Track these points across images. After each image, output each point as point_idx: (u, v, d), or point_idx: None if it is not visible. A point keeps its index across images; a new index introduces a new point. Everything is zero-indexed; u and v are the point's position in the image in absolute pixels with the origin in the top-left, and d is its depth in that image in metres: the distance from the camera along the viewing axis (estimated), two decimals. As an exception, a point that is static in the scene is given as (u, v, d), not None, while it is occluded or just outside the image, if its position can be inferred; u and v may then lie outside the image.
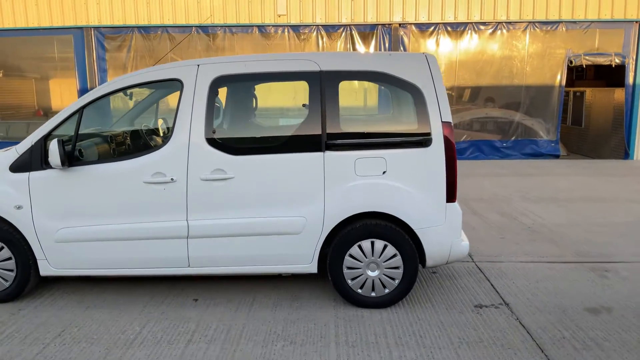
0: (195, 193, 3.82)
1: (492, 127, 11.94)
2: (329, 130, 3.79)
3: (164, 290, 4.33)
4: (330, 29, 11.44)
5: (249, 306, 4.03)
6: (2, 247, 3.98)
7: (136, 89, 3.95)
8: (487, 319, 3.79)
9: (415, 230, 3.82)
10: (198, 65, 3.88)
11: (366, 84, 4.04)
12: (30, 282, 4.06)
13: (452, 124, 3.82)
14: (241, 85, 4.01)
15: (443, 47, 11.50)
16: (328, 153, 3.78)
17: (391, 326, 3.68)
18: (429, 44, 11.47)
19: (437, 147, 3.77)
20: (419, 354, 3.30)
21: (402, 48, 11.41)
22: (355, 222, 3.87)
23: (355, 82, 4.10)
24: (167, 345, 3.44)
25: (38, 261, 4.00)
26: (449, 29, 11.37)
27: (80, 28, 11.49)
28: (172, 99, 4.48)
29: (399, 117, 4.14)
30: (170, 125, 3.88)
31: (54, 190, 3.89)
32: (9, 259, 4.00)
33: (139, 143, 4.27)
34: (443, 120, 3.77)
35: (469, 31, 11.37)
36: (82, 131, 4.00)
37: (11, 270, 4.02)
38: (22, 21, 11.44)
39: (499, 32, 11.35)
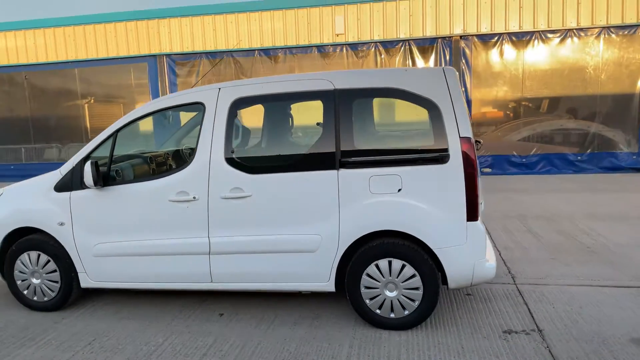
0: (215, 211, 3.95)
1: (565, 139, 11.23)
2: (343, 148, 3.77)
3: (194, 304, 4.49)
4: (389, 45, 11.39)
5: (269, 323, 4.07)
6: (49, 261, 4.34)
7: (168, 111, 4.18)
8: (514, 345, 3.54)
9: (434, 250, 3.67)
10: (219, 89, 4.04)
11: (383, 100, 3.97)
12: (73, 293, 4.39)
13: (472, 140, 3.65)
14: (255, 105, 4.11)
15: (508, 58, 11.04)
16: (342, 171, 3.76)
17: (407, 349, 3.55)
18: (492, 55, 11.06)
19: (455, 164, 3.62)
20: (428, 380, 3.16)
21: (464, 60, 11.10)
22: (372, 240, 3.80)
23: (372, 99, 4.04)
24: (182, 358, 3.56)
25: (79, 274, 4.31)
26: (513, 38, 10.90)
27: (154, 56, 12.36)
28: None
29: (415, 133, 4.03)
30: (194, 146, 4.06)
31: (91, 208, 4.19)
32: (55, 271, 4.35)
33: (166, 164, 4.49)
34: (461, 136, 3.62)
35: (536, 40, 10.82)
36: (121, 153, 4.30)
37: (56, 282, 4.37)
38: (103, 51, 12.52)
39: (568, 39, 10.70)
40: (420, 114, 3.76)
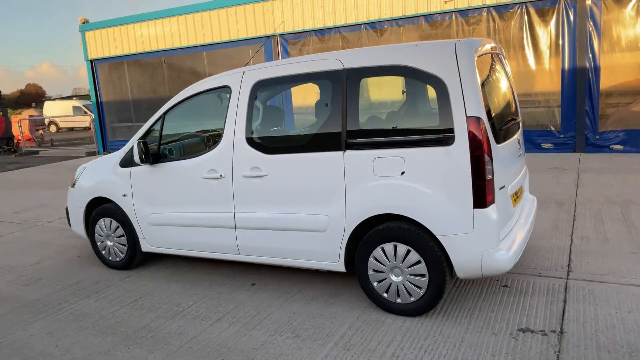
0: (238, 188, 4.20)
1: None
2: (349, 129, 3.72)
3: (234, 273, 4.85)
4: (502, 9, 10.46)
5: (290, 296, 4.25)
6: (118, 227, 5.04)
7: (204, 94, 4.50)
8: (520, 345, 3.23)
9: (437, 237, 3.48)
10: (243, 72, 4.24)
11: (390, 78, 3.78)
12: (137, 256, 5.04)
13: (483, 120, 3.33)
14: (275, 87, 4.20)
15: (649, 15, 9.39)
16: (348, 152, 3.72)
17: (403, 336, 3.46)
18: (627, 15, 9.51)
19: (461, 146, 3.34)
20: (403, 370, 3.07)
21: (591, 22, 9.73)
22: (380, 223, 3.73)
23: (380, 78, 3.88)
24: (199, 321, 3.93)
25: (139, 240, 4.94)
26: (656, -9, 9.23)
27: (269, 37, 12.99)
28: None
29: (420, 113, 3.76)
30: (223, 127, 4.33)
31: (146, 182, 4.74)
32: (122, 236, 5.04)
33: (201, 143, 4.84)
34: (468, 115, 3.32)
35: (686, -9, 9.02)
36: (167, 133, 4.77)
37: (124, 245, 5.06)
38: (226, 35, 13.51)
39: None
40: (428, 93, 3.53)
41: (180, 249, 4.72)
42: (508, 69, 4.52)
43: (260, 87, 4.14)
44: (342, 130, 3.73)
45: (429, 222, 3.48)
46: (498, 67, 4.21)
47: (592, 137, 10.06)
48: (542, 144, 10.49)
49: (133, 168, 4.81)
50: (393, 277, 3.71)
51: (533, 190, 7.24)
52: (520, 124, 4.58)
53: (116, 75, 16.03)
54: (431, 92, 3.48)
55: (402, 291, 3.69)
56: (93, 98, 16.67)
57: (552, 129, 10.43)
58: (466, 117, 3.33)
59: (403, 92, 4.16)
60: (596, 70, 9.82)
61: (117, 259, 5.15)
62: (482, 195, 3.34)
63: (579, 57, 9.89)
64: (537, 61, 10.38)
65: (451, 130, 3.37)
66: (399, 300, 3.73)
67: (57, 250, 6.04)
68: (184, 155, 4.57)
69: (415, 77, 3.54)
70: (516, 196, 4.01)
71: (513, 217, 3.90)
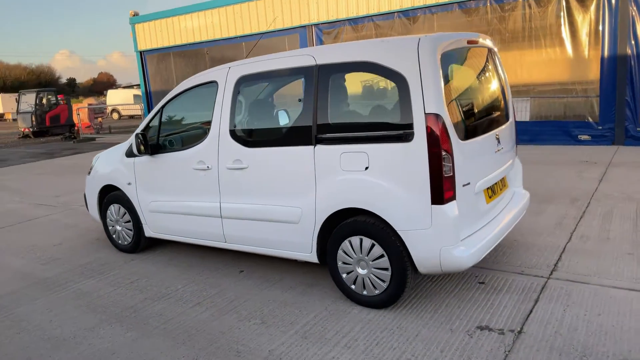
0: (223, 179, 4.39)
1: None
2: (319, 124, 3.80)
3: (228, 260, 5.07)
4: (539, -5, 10.00)
5: (271, 284, 4.42)
6: (125, 213, 5.39)
7: (195, 89, 4.72)
8: (472, 343, 3.24)
9: (398, 232, 3.52)
10: (229, 68, 4.40)
11: (364, 74, 3.81)
12: (141, 240, 5.38)
13: (443, 116, 3.31)
14: (256, 83, 4.33)
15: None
16: (318, 147, 3.81)
17: (361, 327, 3.55)
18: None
19: (420, 142, 3.35)
20: (349, 356, 3.16)
21: (634, 6, 9.13)
22: (350, 217, 3.80)
23: (348, 74, 3.91)
24: (181, 304, 4.18)
25: (143, 225, 5.27)
26: None
27: (304, 27, 13.10)
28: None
29: (384, 109, 3.76)
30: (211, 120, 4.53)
31: (147, 171, 5.04)
32: (129, 221, 5.38)
33: (193, 136, 5.04)
34: (427, 112, 3.32)
35: None
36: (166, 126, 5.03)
37: (131, 230, 5.41)
38: (263, 25, 13.75)
39: None
40: (392, 89, 3.55)
41: (176, 236, 5.00)
42: (498, 63, 4.41)
43: (243, 82, 4.29)
44: (313, 126, 3.82)
45: (390, 217, 3.52)
46: (479, 61, 4.14)
47: (632, 129, 9.50)
48: (579, 136, 10.02)
49: (136, 158, 5.12)
50: (359, 270, 3.79)
51: (550, 184, 7.00)
52: (512, 119, 4.48)
53: (163, 66, 16.71)
54: (395, 88, 3.49)
55: (368, 284, 3.76)
56: (142, 88, 17.48)
57: (590, 120, 9.93)
58: (425, 113, 3.33)
59: (368, 87, 4.16)
60: (639, 57, 9.23)
61: (125, 242, 5.52)
62: (439, 192, 3.34)
63: (620, 44, 9.33)
64: (574, 48, 9.89)
65: (411, 127, 3.39)
66: (365, 293, 3.80)
67: (80, 233, 6.52)
68: (180, 147, 4.81)
69: (380, 73, 3.57)
70: (492, 192, 3.95)
71: (487, 214, 3.86)
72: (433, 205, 3.37)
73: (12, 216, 7.82)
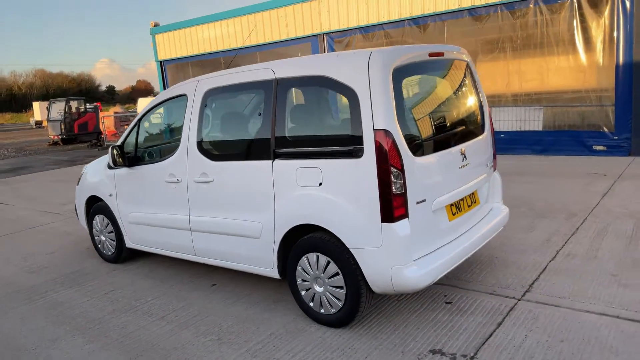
0: (192, 192, 4.39)
1: None
2: (278, 139, 3.75)
3: (203, 273, 5.06)
4: (552, 0, 9.70)
5: (238, 299, 4.38)
6: (108, 223, 5.47)
7: (169, 102, 4.75)
8: (420, 368, 3.12)
9: (350, 250, 3.42)
10: (198, 81, 4.41)
11: (319, 89, 3.73)
12: (123, 251, 5.44)
13: (394, 132, 3.21)
14: (222, 96, 4.30)
15: None
16: (277, 161, 3.76)
17: (313, 347, 3.46)
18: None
19: (369, 158, 3.26)
20: (289, 382, 3.09)
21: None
22: (308, 233, 3.73)
23: (305, 88, 3.84)
24: (145, 317, 4.18)
25: (124, 236, 5.32)
26: None
27: (316, 35, 13.10)
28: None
29: (337, 124, 3.66)
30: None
31: (125, 183, 5.10)
32: (112, 232, 5.45)
33: (166, 148, 5.05)
34: (375, 128, 3.23)
35: None
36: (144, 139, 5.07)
37: (113, 241, 5.48)
38: (277, 35, 13.83)
39: None
40: (344, 104, 3.47)
41: (153, 248, 5.03)
42: (471, 75, 4.27)
43: (210, 96, 4.29)
44: (271, 140, 3.78)
45: (343, 235, 3.44)
46: (446, 74, 4.02)
47: (649, 139, 9.07)
48: (594, 146, 9.63)
49: (116, 170, 5.19)
50: (317, 288, 3.71)
51: (551, 198, 6.74)
52: (487, 133, 4.32)
53: (182, 75, 17.00)
54: (347, 103, 3.42)
55: (325, 302, 3.68)
56: (163, 96, 17.80)
57: (605, 129, 9.53)
58: (374, 129, 3.24)
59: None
60: (657, 64, 8.82)
61: (109, 252, 5.59)
62: (389, 210, 3.24)
63: (635, 50, 8.94)
64: (588, 55, 9.53)
65: (361, 142, 3.30)
66: (322, 311, 3.72)
67: (74, 241, 6.65)
68: (154, 159, 4.85)
69: (333, 88, 3.50)
70: (456, 209, 3.81)
71: (449, 231, 3.72)
72: (383, 223, 3.27)
73: (19, 223, 8.06)
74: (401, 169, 3.25)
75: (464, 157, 3.85)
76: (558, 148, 9.99)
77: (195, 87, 4.40)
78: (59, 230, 7.33)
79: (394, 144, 3.22)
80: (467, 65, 4.27)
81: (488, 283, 4.25)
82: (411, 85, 3.67)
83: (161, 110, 5.03)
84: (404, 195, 3.28)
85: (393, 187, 3.22)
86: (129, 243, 5.29)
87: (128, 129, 5.07)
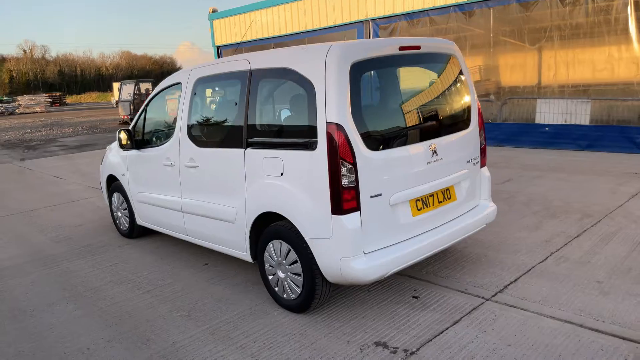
0: (183, 176, 4.64)
1: None
2: (249, 128, 3.89)
3: (199, 252, 5.33)
4: (605, -14, 9.04)
5: (222, 279, 4.61)
6: (123, 201, 5.87)
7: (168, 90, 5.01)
8: (359, 358, 3.17)
9: (305, 239, 3.52)
10: (191, 70, 4.62)
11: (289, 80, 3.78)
12: (135, 227, 5.83)
13: (346, 126, 3.25)
14: (208, 85, 4.47)
15: None
16: (248, 150, 3.90)
17: (268, 330, 3.61)
18: None
19: (322, 151, 3.32)
20: (236, 357, 3.27)
21: None
22: (276, 221, 3.86)
23: (274, 80, 3.91)
24: (134, 290, 4.51)
25: (135, 213, 5.71)
26: None
27: (362, 22, 13.01)
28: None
29: (297, 116, 3.68)
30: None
31: (135, 165, 5.45)
32: (126, 209, 5.86)
33: (166, 133, 5.30)
34: (328, 121, 3.28)
35: None
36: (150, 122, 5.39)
37: (127, 217, 5.88)
38: (324, 21, 13.86)
39: None
40: (305, 96, 3.52)
41: (156, 226, 5.37)
42: (458, 68, 4.17)
43: (199, 84, 4.49)
44: (244, 129, 3.92)
45: (299, 224, 3.53)
46: (424, 68, 3.96)
47: None
48: (645, 144, 8.96)
49: (128, 152, 5.56)
50: (280, 274, 3.84)
51: (572, 197, 6.42)
52: (472, 128, 4.22)
53: (236, 60, 17.45)
54: (306, 95, 3.48)
55: (286, 288, 3.81)
56: (219, 81, 18.39)
57: (657, 126, 8.83)
58: (326, 122, 3.29)
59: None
60: None
61: (124, 228, 6.01)
62: (338, 203, 3.30)
63: (695, 41, 8.17)
64: (642, 46, 8.82)
65: (315, 135, 3.37)
66: (285, 296, 3.85)
67: (102, 216, 7.18)
68: (157, 143, 5.14)
69: (297, 81, 3.56)
70: (423, 204, 3.78)
71: (412, 227, 3.70)
72: (333, 215, 3.34)
73: (65, 196, 8.79)
74: (353, 163, 3.29)
75: (434, 152, 3.79)
76: (604, 144, 9.38)
77: (189, 76, 4.61)
78: (93, 205, 7.93)
79: (345, 138, 3.26)
80: (454, 58, 4.16)
81: (464, 281, 4.19)
82: (377, 79, 3.66)
83: (175, 94, 5.30)
84: (356, 189, 3.31)
85: (344, 181, 3.27)
86: (139, 220, 5.67)
87: (138, 114, 5.41)
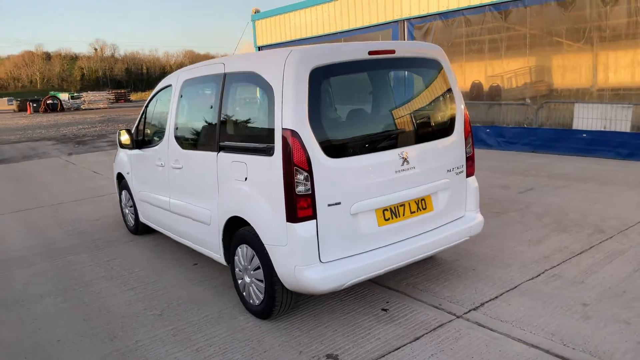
0: (170, 177, 4.74)
1: None
2: (221, 132, 3.91)
3: (193, 252, 5.41)
4: (650, -16, 8.41)
5: (203, 280, 4.66)
6: (129, 199, 6.07)
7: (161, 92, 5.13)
8: (305, 370, 3.13)
9: (265, 245, 3.49)
10: (180, 72, 4.70)
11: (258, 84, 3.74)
12: (139, 224, 6.01)
13: (300, 131, 3.19)
14: (192, 88, 4.51)
15: None
16: (220, 154, 3.92)
17: (227, 335, 3.62)
18: None
19: (278, 158, 3.29)
20: (189, 357, 3.30)
21: None
22: (244, 225, 3.86)
23: (243, 84, 3.88)
24: (120, 286, 4.65)
25: (138, 211, 5.89)
26: None
27: (397, 22, 12.79)
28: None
29: (259, 121, 3.62)
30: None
31: (136, 164, 5.63)
32: (132, 206, 6.05)
33: (160, 134, 5.39)
34: (283, 127, 3.24)
35: None
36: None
37: (133, 214, 6.08)
38: (360, 21, 13.74)
39: None
40: (267, 101, 3.49)
41: (152, 224, 5.51)
42: (442, 74, 4.00)
43: (185, 87, 4.56)
44: (217, 133, 3.95)
45: (259, 230, 3.52)
46: (400, 73, 3.83)
47: None
48: (690, 154, 8.26)
49: (132, 151, 5.74)
50: (246, 278, 3.84)
51: (591, 210, 6.02)
52: (456, 137, 4.04)
53: (276, 60, 17.62)
54: (267, 100, 3.45)
55: (251, 293, 3.80)
56: (260, 80, 18.64)
57: None
58: (282, 128, 3.25)
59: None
60: None
61: (131, 225, 6.22)
62: (293, 210, 3.25)
63: None
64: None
65: (273, 141, 3.34)
66: (250, 301, 3.85)
67: (119, 212, 7.45)
68: (153, 144, 5.27)
69: (261, 85, 3.54)
70: (392, 214, 3.65)
71: (378, 236, 3.58)
72: (288, 223, 3.29)
73: (94, 191, 9.20)
74: (309, 170, 3.23)
75: (405, 161, 3.66)
76: (646, 153, 8.73)
77: (177, 78, 4.70)
78: (115, 201, 8.23)
79: (301, 144, 3.21)
80: (436, 63, 4.00)
81: (441, 295, 4.02)
82: (343, 85, 3.58)
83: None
84: (311, 197, 3.26)
85: (299, 188, 3.22)
86: (141, 218, 5.84)
87: (139, 115, 5.57)
